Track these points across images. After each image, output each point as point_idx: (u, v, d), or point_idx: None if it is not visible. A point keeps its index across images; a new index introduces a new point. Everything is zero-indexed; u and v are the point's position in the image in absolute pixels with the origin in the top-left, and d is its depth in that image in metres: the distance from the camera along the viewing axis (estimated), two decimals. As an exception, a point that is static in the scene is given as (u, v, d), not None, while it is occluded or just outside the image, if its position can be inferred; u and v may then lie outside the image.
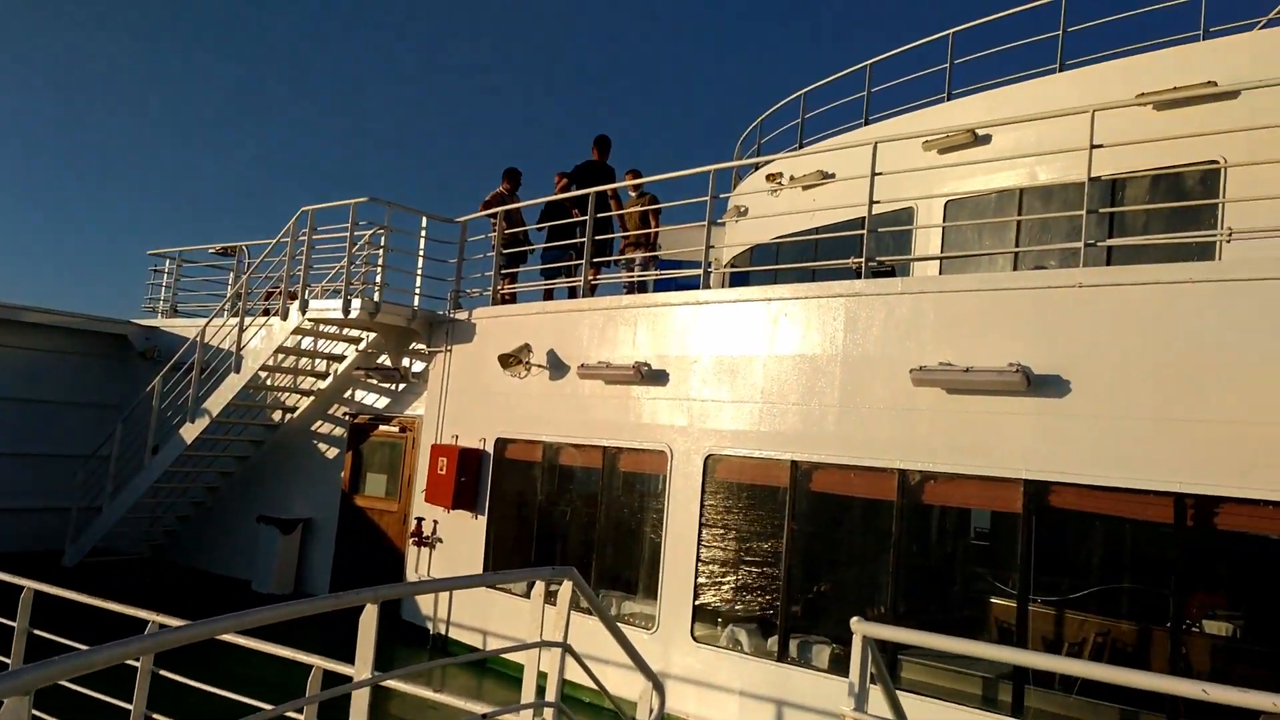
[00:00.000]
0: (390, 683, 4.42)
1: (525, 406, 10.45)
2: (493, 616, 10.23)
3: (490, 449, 10.78)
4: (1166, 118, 8.98)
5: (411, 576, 11.34)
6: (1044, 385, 6.85)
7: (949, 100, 11.76)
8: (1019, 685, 6.80)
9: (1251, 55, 9.26)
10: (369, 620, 3.89)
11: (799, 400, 8.09)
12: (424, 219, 12.34)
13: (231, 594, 12.71)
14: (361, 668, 4.01)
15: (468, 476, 10.70)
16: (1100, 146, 7.32)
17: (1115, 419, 6.57)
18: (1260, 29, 10.14)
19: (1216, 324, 6.28)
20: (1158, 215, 9.04)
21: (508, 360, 10.31)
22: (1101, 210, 7.91)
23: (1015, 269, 9.84)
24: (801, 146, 13.39)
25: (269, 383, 13.80)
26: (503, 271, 11.81)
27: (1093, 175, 8.11)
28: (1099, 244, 7.38)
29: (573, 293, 11.08)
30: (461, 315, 11.67)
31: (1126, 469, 6.47)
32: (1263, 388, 6.05)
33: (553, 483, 10.29)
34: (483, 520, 10.71)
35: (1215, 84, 8.75)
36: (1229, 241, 7.19)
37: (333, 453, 13.23)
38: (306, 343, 13.40)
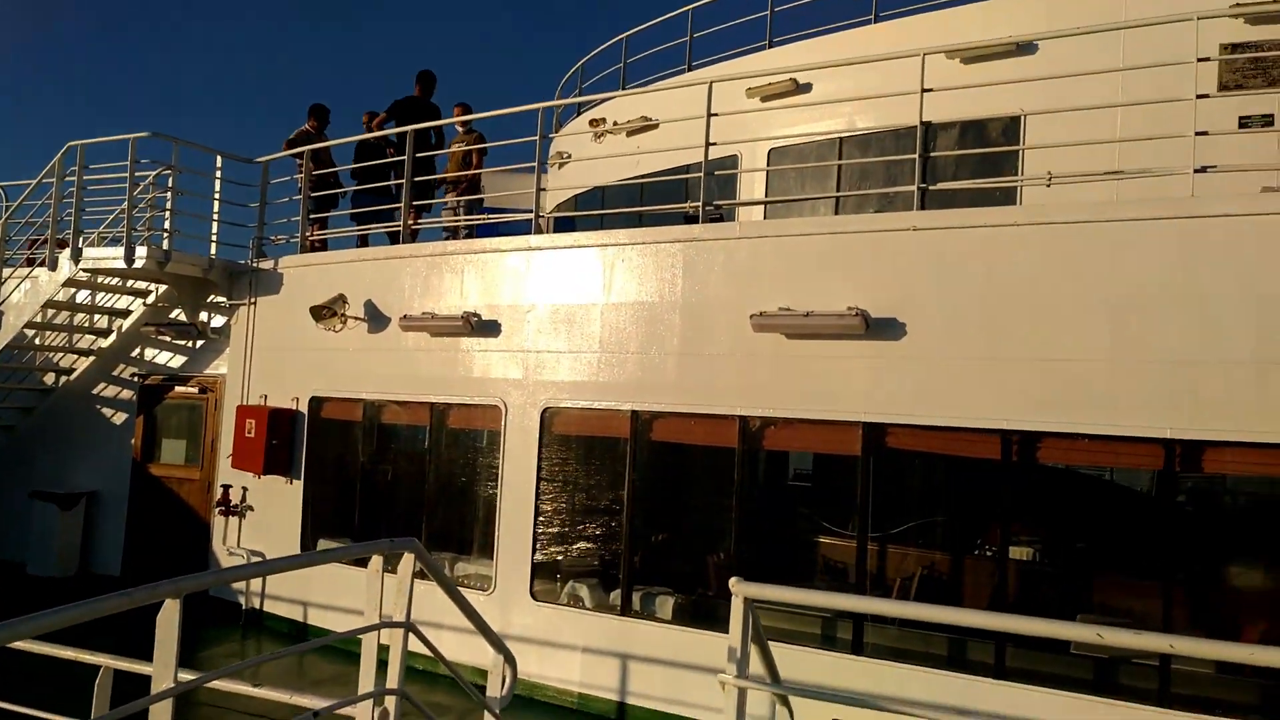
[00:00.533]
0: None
1: (342, 362, 9.57)
2: (314, 586, 9.38)
3: (304, 409, 9.84)
4: (973, 70, 9.11)
5: (218, 549, 10.27)
6: (881, 328, 6.78)
7: (770, 48, 11.62)
8: (858, 624, 6.79)
9: (1049, 11, 9.56)
10: (169, 620, 3.19)
11: (638, 349, 7.72)
12: (219, 158, 11.04)
13: (2, 579, 11.13)
14: (162, 674, 3.30)
15: (280, 439, 9.73)
16: (930, 91, 7.26)
17: (948, 360, 6.58)
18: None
19: (1039, 265, 6.36)
20: (965, 163, 9.23)
21: (320, 312, 9.38)
22: (932, 155, 7.90)
23: (836, 213, 9.89)
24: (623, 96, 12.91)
25: (38, 342, 12.08)
26: (311, 216, 10.75)
27: (909, 124, 8.20)
28: (930, 188, 7.34)
29: (392, 239, 10.22)
30: (266, 264, 10.55)
31: (958, 409, 6.50)
32: (1075, 326, 6.17)
33: (376, 442, 9.51)
34: (299, 485, 9.79)
35: (1014, 40, 8.97)
36: (1049, 186, 7.33)
37: (120, 418, 11.77)
38: (83, 296, 11.81)
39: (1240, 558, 6.18)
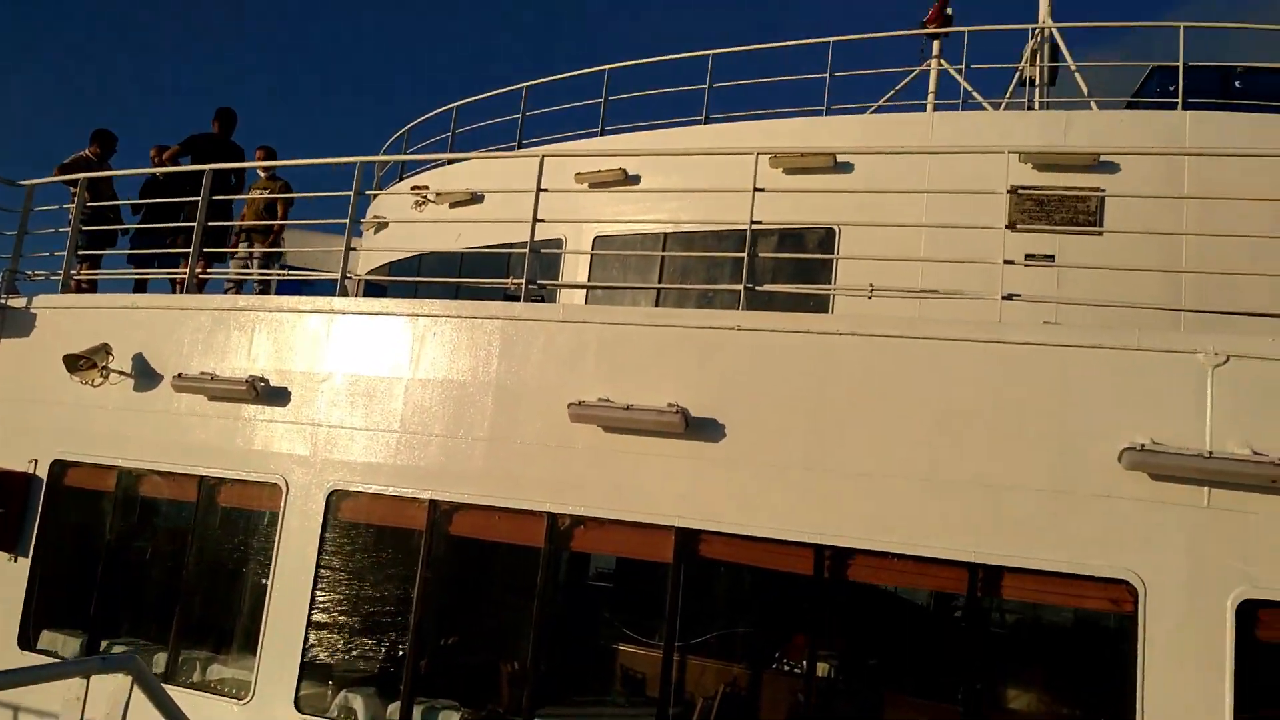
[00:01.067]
0: None
1: (97, 422, 8.25)
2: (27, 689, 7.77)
3: (44, 474, 8.36)
4: (793, 181, 9.28)
5: (-94, 639, 8.44)
6: (701, 428, 6.42)
7: (602, 135, 11.49)
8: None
9: (863, 134, 10.01)
10: None
11: (444, 431, 7.01)
12: (-28, 177, 9.52)
13: None
14: None
15: (6, 507, 8.19)
16: (762, 190, 7.16)
17: (766, 467, 6.30)
18: (871, 113, 11.03)
19: (860, 377, 6.25)
20: (780, 270, 9.30)
21: (77, 363, 8.07)
22: (761, 255, 7.80)
23: (656, 304, 9.73)
24: (450, 163, 12.39)
25: None
26: (81, 253, 9.39)
27: (728, 227, 8.11)
28: (758, 288, 7.17)
29: (174, 288, 9.04)
30: (17, 302, 9.07)
31: (774, 519, 6.19)
32: (890, 442, 6.04)
33: (129, 518, 8.22)
34: (24, 564, 8.24)
35: (834, 156, 9.27)
36: (870, 298, 7.34)
37: None
38: None
39: (1029, 684, 6.16)
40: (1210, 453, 5.37)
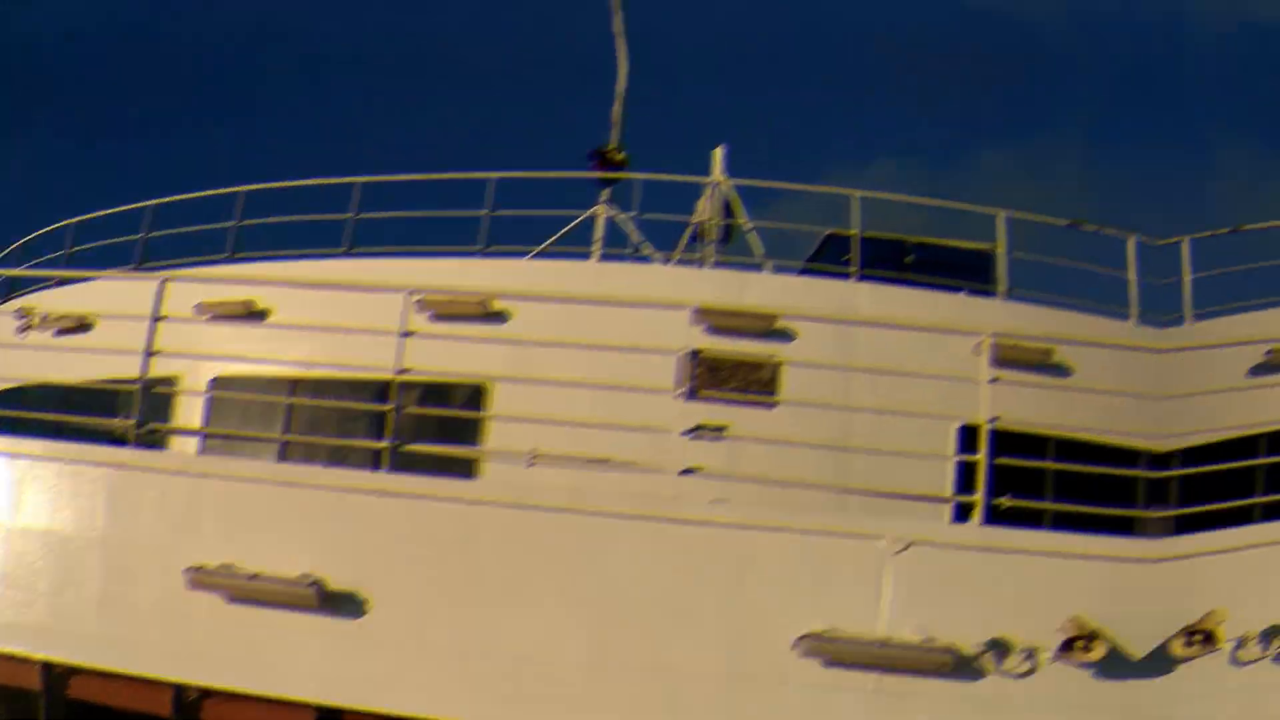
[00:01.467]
0: None
1: None
2: None
3: None
4: (441, 329, 10.13)
5: None
6: (339, 602, 7.46)
7: (232, 262, 12.82)
8: None
9: (524, 279, 11.65)
10: None
11: (51, 589, 7.94)
12: None
13: None
14: None
15: None
16: (411, 335, 8.52)
17: (411, 647, 7.47)
18: (531, 258, 12.77)
19: (514, 549, 7.55)
20: (424, 428, 10.14)
21: None
22: (408, 410, 9.06)
23: (281, 460, 10.64)
24: (61, 283, 12.99)
25: None
26: None
27: (368, 376, 9.15)
28: (406, 447, 8.50)
29: None
30: None
31: (418, 701, 7.28)
32: (552, 623, 7.31)
33: None
34: None
35: (487, 303, 10.57)
36: (531, 466, 8.78)
37: None
38: None
39: None
40: (885, 640, 6.72)
